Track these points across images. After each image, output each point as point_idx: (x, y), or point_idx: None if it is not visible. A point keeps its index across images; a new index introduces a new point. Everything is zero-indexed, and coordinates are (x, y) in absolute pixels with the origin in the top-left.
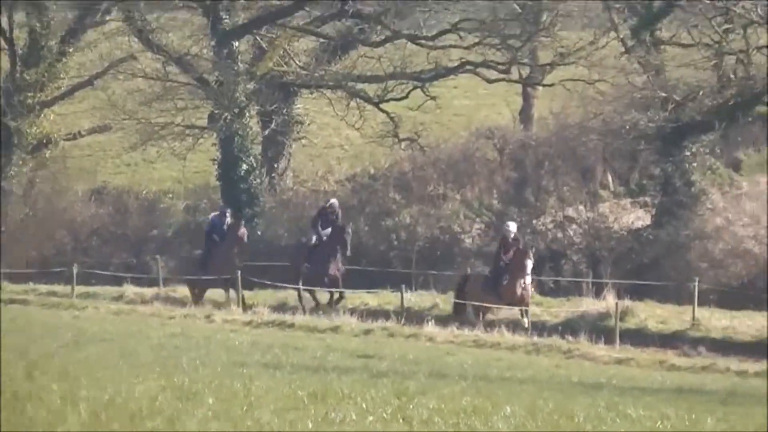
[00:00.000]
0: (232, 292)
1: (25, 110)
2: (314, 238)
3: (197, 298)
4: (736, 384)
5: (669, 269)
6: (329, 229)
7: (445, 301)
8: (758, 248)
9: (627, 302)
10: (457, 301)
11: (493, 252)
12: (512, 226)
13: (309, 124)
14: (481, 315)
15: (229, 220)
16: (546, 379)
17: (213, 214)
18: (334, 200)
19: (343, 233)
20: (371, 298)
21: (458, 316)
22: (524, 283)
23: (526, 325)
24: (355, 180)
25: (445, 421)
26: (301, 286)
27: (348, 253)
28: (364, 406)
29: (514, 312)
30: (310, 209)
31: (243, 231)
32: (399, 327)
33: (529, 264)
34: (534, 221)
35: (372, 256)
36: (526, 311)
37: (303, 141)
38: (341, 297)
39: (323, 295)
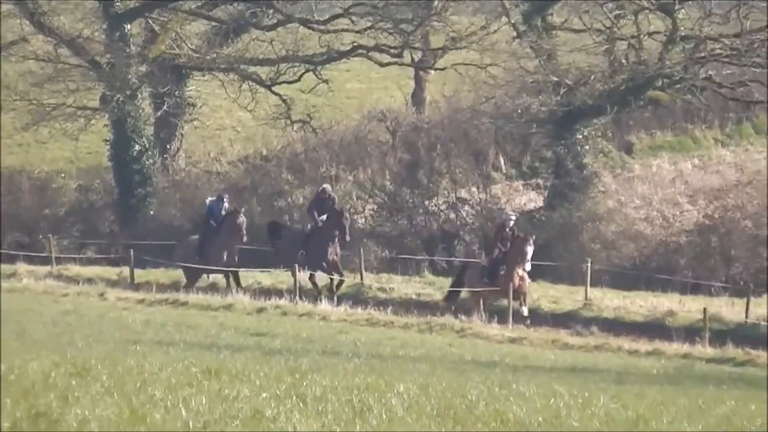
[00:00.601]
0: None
1: None
2: (311, 223)
3: (191, 284)
4: (628, 363)
5: (562, 250)
6: (325, 216)
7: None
8: (649, 230)
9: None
10: (452, 289)
11: (392, 233)
12: (512, 216)
13: (201, 106)
14: (481, 303)
15: (226, 205)
16: (439, 357)
17: (210, 199)
18: (326, 185)
19: (341, 218)
20: (264, 277)
21: (450, 302)
22: (523, 270)
23: (526, 314)
24: (248, 161)
25: (339, 398)
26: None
27: (347, 238)
28: (257, 383)
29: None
30: (203, 189)
31: (242, 220)
32: (292, 306)
33: (530, 250)
34: (426, 202)
35: (265, 236)
36: (524, 299)
37: (195, 123)
38: (341, 282)
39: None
